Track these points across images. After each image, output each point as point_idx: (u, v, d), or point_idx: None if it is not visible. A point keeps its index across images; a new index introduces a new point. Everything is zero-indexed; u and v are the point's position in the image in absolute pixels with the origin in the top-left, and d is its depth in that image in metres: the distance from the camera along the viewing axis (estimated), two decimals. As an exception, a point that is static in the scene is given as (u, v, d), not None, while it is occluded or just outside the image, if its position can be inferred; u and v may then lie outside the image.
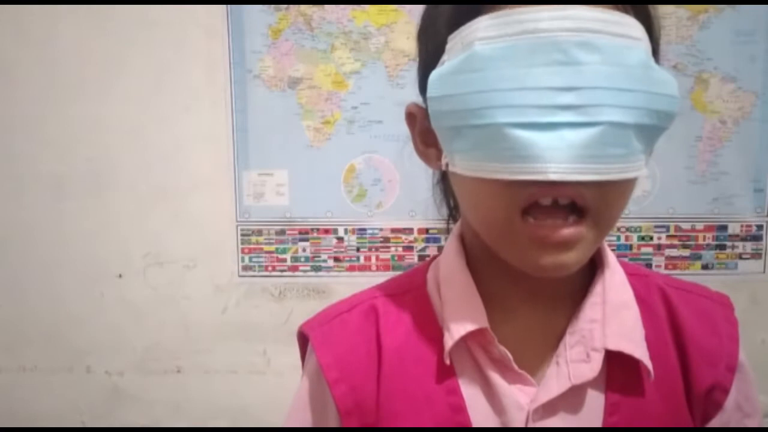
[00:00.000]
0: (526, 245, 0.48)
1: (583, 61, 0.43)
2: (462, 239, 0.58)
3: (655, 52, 0.50)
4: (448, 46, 0.49)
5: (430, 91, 0.49)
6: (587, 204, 0.46)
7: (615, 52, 0.44)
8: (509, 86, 0.44)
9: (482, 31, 0.45)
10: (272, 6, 1.30)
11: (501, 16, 0.45)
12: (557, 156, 0.43)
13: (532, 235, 0.47)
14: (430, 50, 0.52)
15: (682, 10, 1.26)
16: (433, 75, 0.49)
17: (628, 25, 0.45)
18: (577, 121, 0.43)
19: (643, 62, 0.45)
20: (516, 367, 0.52)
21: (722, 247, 1.33)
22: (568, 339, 0.54)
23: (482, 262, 0.56)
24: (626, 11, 0.47)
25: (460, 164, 0.49)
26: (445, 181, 0.60)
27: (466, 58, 0.46)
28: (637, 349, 0.53)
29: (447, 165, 0.51)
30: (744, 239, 1.32)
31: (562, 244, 0.47)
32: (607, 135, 0.44)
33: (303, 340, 0.61)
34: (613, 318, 0.53)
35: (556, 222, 0.47)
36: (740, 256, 1.33)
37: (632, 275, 0.58)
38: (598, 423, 0.53)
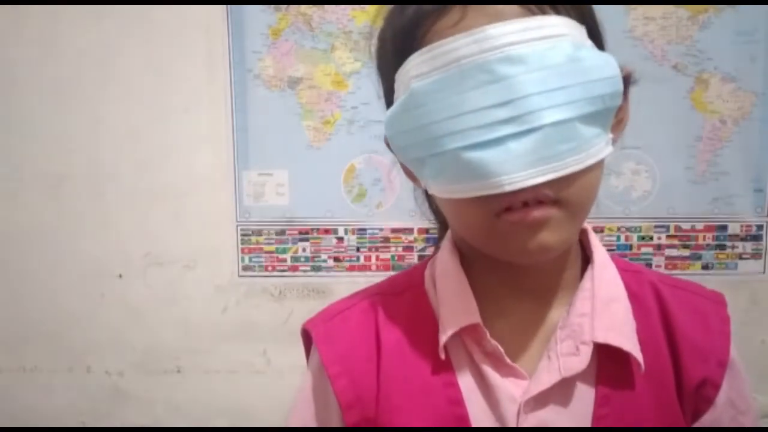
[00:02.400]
0: (507, 236, 0.50)
1: (508, 74, 0.46)
2: (455, 238, 0.60)
3: (594, 34, 0.52)
4: (395, 85, 0.53)
5: (387, 131, 0.53)
6: (553, 197, 0.48)
7: (538, 57, 0.46)
8: (450, 114, 0.47)
9: (415, 69, 0.49)
10: (272, 6, 1.31)
11: (426, 52, 0.49)
12: (508, 168, 0.46)
13: (507, 223, 0.49)
14: (385, 88, 0.57)
15: (682, 10, 1.27)
16: (387, 116, 0.53)
17: (547, 25, 0.47)
18: (518, 131, 0.46)
19: (569, 56, 0.47)
20: (508, 360, 0.54)
21: (722, 247, 1.33)
22: (559, 333, 0.55)
23: (474, 261, 0.58)
24: (543, 11, 0.48)
25: (433, 188, 0.53)
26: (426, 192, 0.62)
27: (408, 97, 0.50)
28: (627, 341, 0.54)
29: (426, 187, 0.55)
30: (744, 239, 1.32)
31: (536, 224, 0.49)
32: (550, 135, 0.46)
33: (306, 337, 0.62)
34: (603, 312, 0.55)
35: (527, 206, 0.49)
36: (740, 256, 1.33)
37: (625, 271, 0.59)
38: (588, 415, 0.54)
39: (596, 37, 0.52)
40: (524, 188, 0.46)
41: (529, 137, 0.46)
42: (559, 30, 0.47)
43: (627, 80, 0.51)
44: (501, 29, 0.46)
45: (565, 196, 0.49)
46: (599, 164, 0.50)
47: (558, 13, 0.48)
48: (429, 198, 0.63)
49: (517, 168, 0.46)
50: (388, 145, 0.57)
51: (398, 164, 0.59)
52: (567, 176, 0.47)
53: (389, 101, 0.56)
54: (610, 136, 0.50)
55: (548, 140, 0.46)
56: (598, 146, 0.48)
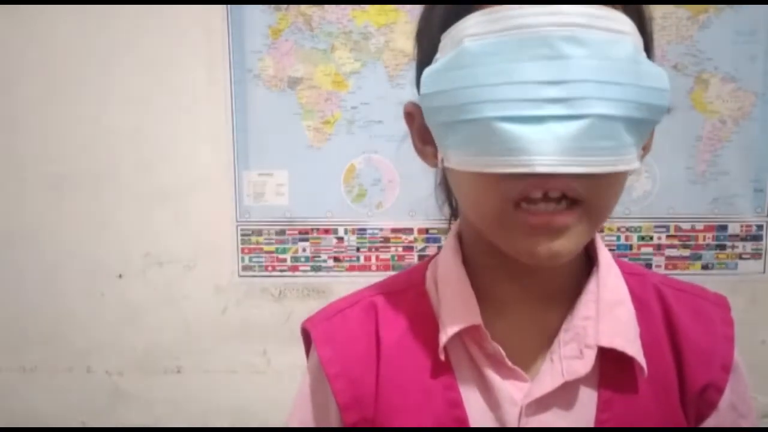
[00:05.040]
0: (520, 234, 0.48)
1: (569, 54, 0.44)
2: (460, 237, 0.59)
3: (648, 48, 0.50)
4: (441, 45, 0.50)
5: (423, 88, 0.50)
6: (578, 196, 0.47)
7: (602, 46, 0.44)
8: (496, 81, 0.45)
9: (471, 28, 0.46)
10: (272, 6, 1.30)
11: (489, 13, 0.46)
12: (544, 149, 0.43)
13: (525, 222, 0.47)
14: (425, 50, 0.53)
15: (682, 10, 1.26)
16: (426, 72, 0.49)
17: (616, 19, 0.46)
18: (564, 114, 0.44)
19: (630, 56, 0.45)
20: (509, 362, 0.53)
21: (722, 247, 1.33)
22: (563, 336, 0.54)
23: (478, 260, 0.57)
24: (615, 7, 0.47)
25: (453, 159, 0.50)
26: (446, 181, 0.61)
27: (455, 55, 0.47)
28: (631, 346, 0.53)
29: (442, 161, 0.52)
30: (744, 239, 1.32)
31: (553, 231, 0.47)
32: (595, 128, 0.44)
33: (306, 335, 0.62)
34: (607, 315, 0.54)
35: (548, 207, 0.47)
36: (740, 256, 1.33)
37: (629, 274, 0.58)
38: (590, 419, 0.53)
39: (649, 54, 0.51)
40: (556, 174, 0.44)
41: (573, 123, 0.43)
42: (626, 28, 0.46)
43: None
44: (573, 8, 0.44)
45: (591, 198, 0.47)
46: (625, 175, 0.49)
47: (626, 13, 0.47)
48: (448, 186, 0.61)
49: (553, 151, 0.43)
50: (408, 113, 0.56)
51: (410, 138, 0.57)
52: (597, 177, 0.45)
53: (425, 63, 0.52)
54: (641, 152, 0.49)
55: (592, 132, 0.44)
56: (631, 156, 0.47)
